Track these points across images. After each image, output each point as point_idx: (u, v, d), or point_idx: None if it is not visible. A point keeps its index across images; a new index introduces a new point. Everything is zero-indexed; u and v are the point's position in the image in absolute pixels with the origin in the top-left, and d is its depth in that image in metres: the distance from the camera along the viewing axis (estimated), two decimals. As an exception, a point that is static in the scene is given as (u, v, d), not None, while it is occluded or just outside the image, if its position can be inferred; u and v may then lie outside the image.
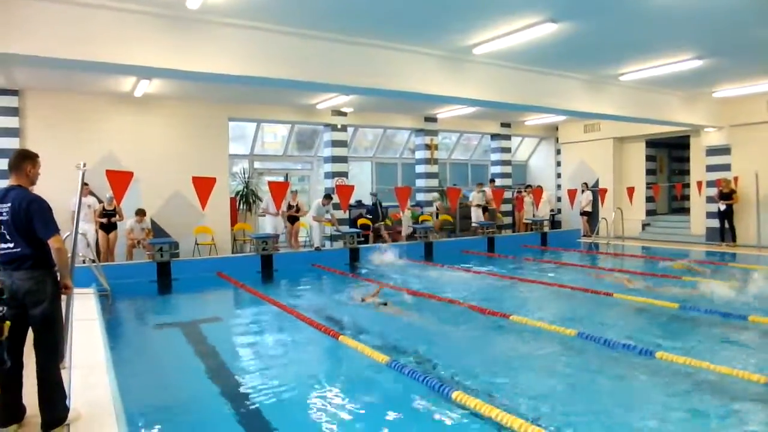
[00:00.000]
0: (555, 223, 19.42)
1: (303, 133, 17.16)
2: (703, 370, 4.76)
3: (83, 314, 6.88)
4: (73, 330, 5.77)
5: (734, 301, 7.48)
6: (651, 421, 3.92)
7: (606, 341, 5.60)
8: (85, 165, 5.46)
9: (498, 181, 18.89)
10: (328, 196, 13.63)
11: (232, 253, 13.98)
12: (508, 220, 19.30)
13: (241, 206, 15.20)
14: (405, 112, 16.86)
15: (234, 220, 14.56)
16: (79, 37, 6.73)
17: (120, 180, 8.76)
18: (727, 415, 4.01)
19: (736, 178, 15.07)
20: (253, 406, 4.32)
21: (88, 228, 10.64)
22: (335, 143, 16.23)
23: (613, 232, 16.95)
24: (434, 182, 17.85)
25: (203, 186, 10.26)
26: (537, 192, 17.06)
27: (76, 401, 4.09)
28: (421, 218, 16.58)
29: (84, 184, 5.63)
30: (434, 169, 18.11)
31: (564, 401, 4.35)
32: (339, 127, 16.20)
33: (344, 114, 16.07)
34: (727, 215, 14.94)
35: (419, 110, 16.47)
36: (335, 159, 16.28)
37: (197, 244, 13.33)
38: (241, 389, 4.69)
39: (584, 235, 17.33)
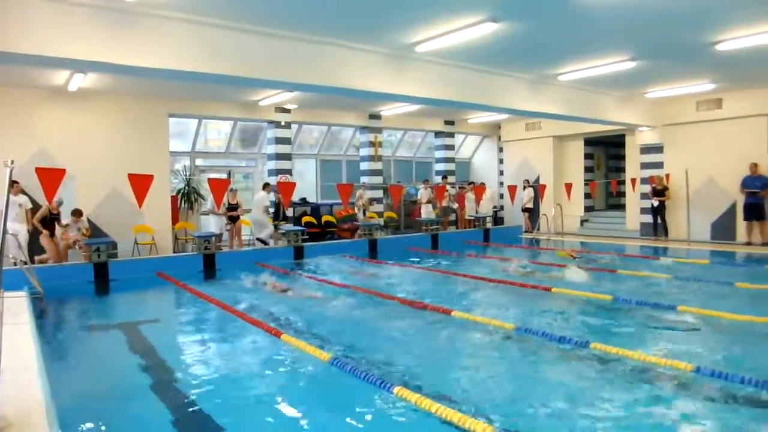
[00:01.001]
0: (498, 220, 19.82)
1: (246, 130, 16.91)
2: (634, 359, 4.95)
3: (14, 318, 6.57)
4: (2, 335, 5.51)
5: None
6: (586, 408, 4.05)
7: (544, 333, 5.75)
8: (13, 162, 5.21)
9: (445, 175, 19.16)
10: (267, 185, 13.88)
11: (174, 252, 13.66)
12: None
13: (183, 205, 14.86)
14: (349, 110, 16.86)
15: (175, 219, 14.22)
16: (3, 27, 6.42)
17: (51, 177, 8.41)
18: (656, 401, 4.18)
19: (667, 176, 15.73)
20: (192, 407, 4.24)
21: (20, 228, 10.17)
22: (279, 140, 16.07)
23: (553, 228, 17.41)
24: (379, 179, 17.92)
25: (140, 183, 9.97)
26: (479, 189, 17.33)
27: (5, 408, 3.91)
28: (368, 215, 16.61)
29: (14, 182, 5.37)
30: (379, 166, 18.18)
31: (504, 393, 4.44)
32: (283, 124, 16.06)
33: (288, 111, 15.93)
34: (659, 211, 15.60)
35: (364, 107, 16.50)
36: (279, 156, 16.12)
37: (137, 244, 12.96)
38: (180, 390, 4.60)
39: (526, 231, 17.74)
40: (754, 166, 14.09)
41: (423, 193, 17.31)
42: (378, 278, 9.81)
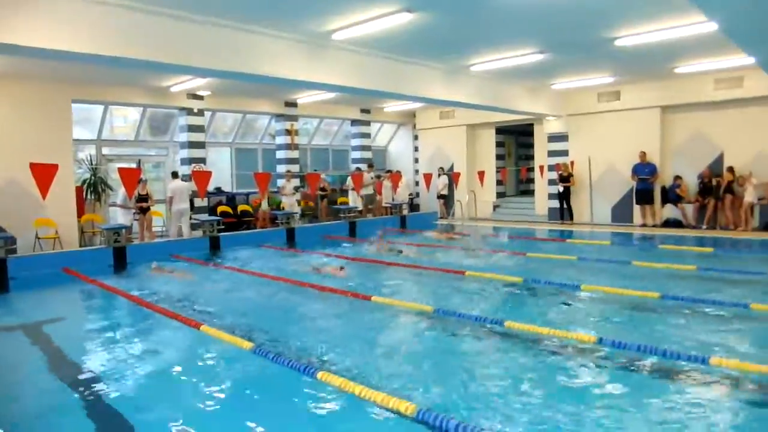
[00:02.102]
0: (414, 206, 20.19)
1: (157, 117, 16.28)
2: (543, 334, 5.27)
3: None
4: None
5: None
6: (500, 382, 4.29)
7: (460, 314, 5.99)
8: None
9: (356, 166, 19.29)
10: (175, 173, 13.75)
11: (80, 246, 13.00)
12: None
13: (89, 196, 14.14)
14: (265, 97, 16.60)
15: (81, 211, 13.52)
16: None
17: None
18: (564, 372, 4.49)
19: (572, 163, 16.59)
20: (108, 409, 4.11)
21: None
22: (192, 128, 15.60)
23: (467, 214, 17.97)
24: (295, 168, 17.78)
25: (43, 173, 9.37)
26: (395, 177, 17.59)
27: None
28: (282, 205, 16.46)
29: None
30: (295, 154, 18.06)
31: (423, 373, 4.61)
32: (195, 111, 15.60)
33: (201, 98, 15.48)
34: (565, 196, 16.44)
35: (279, 95, 16.30)
36: (192, 144, 15.67)
37: (38, 238, 12.23)
38: (94, 389, 4.43)
39: (441, 218, 18.20)
40: (643, 154, 15.14)
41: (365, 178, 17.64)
42: (296, 266, 9.79)
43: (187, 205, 13.83)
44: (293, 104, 17.48)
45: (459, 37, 10.03)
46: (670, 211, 15.29)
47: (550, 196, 17.35)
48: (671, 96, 15.00)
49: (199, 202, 15.30)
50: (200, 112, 15.75)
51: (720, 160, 14.68)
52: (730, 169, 14.05)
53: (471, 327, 5.72)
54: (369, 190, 17.87)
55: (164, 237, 13.90)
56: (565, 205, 16.54)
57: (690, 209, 14.88)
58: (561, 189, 16.42)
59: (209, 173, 12.32)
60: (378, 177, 18.72)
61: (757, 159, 14.15)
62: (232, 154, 18.04)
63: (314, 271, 8.92)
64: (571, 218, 16.45)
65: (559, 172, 16.47)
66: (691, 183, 15.01)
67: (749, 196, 13.57)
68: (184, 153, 15.76)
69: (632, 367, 4.53)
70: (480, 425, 3.50)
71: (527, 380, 4.35)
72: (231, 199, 16.66)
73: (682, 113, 15.28)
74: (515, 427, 3.59)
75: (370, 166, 18.71)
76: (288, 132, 17.78)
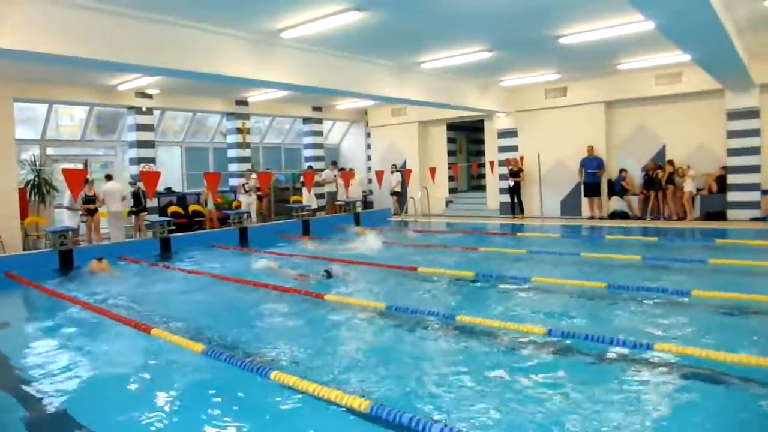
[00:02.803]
0: (367, 204, 20.25)
1: (104, 116, 15.86)
2: (494, 327, 5.39)
3: None
4: None
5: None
6: (454, 376, 4.37)
7: (413, 310, 6.06)
8: None
9: (312, 164, 19.21)
10: (109, 176, 13.48)
11: (24, 250, 12.56)
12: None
13: (33, 197, 13.66)
14: (215, 96, 16.37)
15: (24, 213, 13.05)
16: None
17: None
18: (516, 362, 4.61)
19: (521, 158, 16.93)
20: (53, 416, 4.01)
21: None
22: (140, 127, 15.26)
23: (420, 210, 18.14)
24: (247, 166, 17.59)
25: (-18, 176, 9.03)
26: (346, 175, 17.56)
27: None
28: (234, 204, 16.28)
29: None
30: (247, 153, 17.86)
31: (378, 369, 4.65)
32: (144, 110, 15.26)
33: (150, 96, 15.15)
34: (516, 191, 16.77)
35: (230, 93, 16.10)
36: (141, 144, 15.32)
37: (-22, 243, 11.77)
38: (37, 397, 4.31)
39: (395, 214, 18.31)
40: (591, 148, 15.60)
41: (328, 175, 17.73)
42: (248, 266, 9.71)
43: (118, 208, 13.45)
44: (244, 103, 17.28)
45: (408, 35, 10.12)
46: (616, 203, 15.80)
47: (501, 191, 17.67)
48: (615, 91, 15.50)
49: (149, 203, 14.96)
50: (149, 111, 15.41)
51: (662, 152, 15.26)
52: (670, 162, 14.60)
53: (423, 322, 5.79)
54: (332, 188, 17.87)
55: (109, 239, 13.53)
56: (515, 200, 16.88)
57: (635, 201, 15.41)
58: (512, 184, 16.74)
59: (158, 173, 12.08)
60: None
61: (696, 151, 14.79)
62: (182, 154, 17.72)
63: (295, 278, 8.46)
64: (522, 212, 16.81)
65: (509, 167, 16.79)
66: (635, 176, 15.53)
67: (688, 187, 14.15)
68: (133, 153, 15.39)
69: (580, 356, 4.68)
70: (433, 418, 3.56)
71: (478, 373, 4.43)
72: (182, 199, 16.36)
73: (625, 108, 15.81)
74: (467, 418, 3.67)
75: (334, 163, 18.67)
76: (239, 131, 17.57)
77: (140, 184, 13.72)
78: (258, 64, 9.90)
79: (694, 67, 12.11)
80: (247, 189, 15.77)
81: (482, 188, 19.87)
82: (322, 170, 18.98)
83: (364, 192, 19.79)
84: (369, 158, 21.65)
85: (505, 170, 17.19)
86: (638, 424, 3.47)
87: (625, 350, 4.69)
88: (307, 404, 3.94)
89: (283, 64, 10.30)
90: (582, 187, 15.96)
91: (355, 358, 4.95)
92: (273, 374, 4.28)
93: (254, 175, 15.87)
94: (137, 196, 14.03)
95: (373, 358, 4.98)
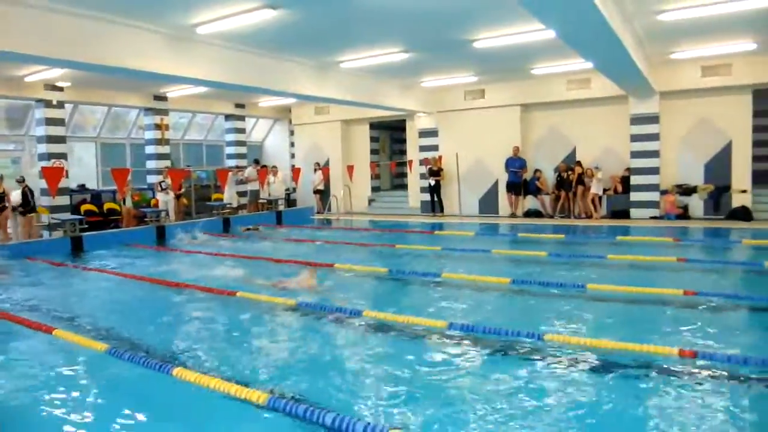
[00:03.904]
0: (291, 202, 20.16)
1: (11, 109, 15.04)
2: (400, 322, 5.57)
3: None
4: None
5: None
6: (357, 369, 4.51)
7: (322, 307, 6.16)
8: None
9: (234, 162, 18.96)
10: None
11: None
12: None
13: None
14: (132, 90, 15.84)
15: None
16: None
17: None
18: (417, 355, 4.79)
19: (440, 157, 17.33)
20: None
21: None
22: (50, 121, 14.58)
23: (344, 208, 18.24)
24: (166, 163, 17.15)
25: None
26: (262, 172, 17.37)
27: None
28: (152, 202, 15.86)
29: None
30: (166, 149, 17.39)
31: (281, 363, 4.73)
32: (54, 103, 14.57)
33: (60, 89, 14.49)
34: (436, 190, 17.15)
35: (148, 88, 15.63)
36: (51, 139, 14.63)
37: None
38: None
39: (318, 212, 18.34)
40: (516, 149, 16.17)
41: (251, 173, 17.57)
42: (163, 265, 9.53)
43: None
44: (163, 98, 16.84)
45: (326, 34, 10.19)
46: (530, 202, 16.44)
47: (422, 190, 18.03)
48: (530, 95, 16.14)
49: (60, 200, 14.31)
50: (60, 105, 14.74)
51: (573, 154, 16.01)
52: (579, 163, 15.37)
53: (333, 318, 5.90)
54: (254, 186, 17.68)
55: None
56: (436, 198, 17.27)
57: (548, 200, 16.09)
58: (432, 183, 17.11)
59: (61, 170, 11.58)
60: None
61: (604, 153, 15.63)
62: (97, 149, 17.05)
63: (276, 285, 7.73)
64: (442, 211, 17.21)
65: (428, 167, 17.15)
66: (549, 176, 16.23)
67: (594, 188, 14.95)
68: (42, 148, 14.67)
69: (478, 348, 4.91)
70: (330, 408, 3.65)
71: (382, 366, 4.59)
72: (96, 197, 15.77)
73: (539, 111, 16.50)
74: (367, 408, 3.80)
75: (256, 162, 18.44)
76: (158, 126, 17.09)
77: (28, 183, 13.07)
78: (173, 60, 9.71)
79: (601, 74, 12.79)
80: (163, 187, 15.38)
81: (404, 187, 20.18)
82: (245, 168, 18.77)
83: (287, 190, 19.69)
84: (293, 156, 21.55)
85: (424, 169, 17.53)
86: (533, 410, 3.70)
87: (519, 340, 4.96)
88: (210, 399, 3.98)
89: (200, 60, 10.14)
90: (505, 185, 16.45)
91: (264, 354, 5.01)
92: (175, 371, 4.28)
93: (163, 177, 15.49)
94: (24, 196, 13.04)
95: (281, 353, 5.05)
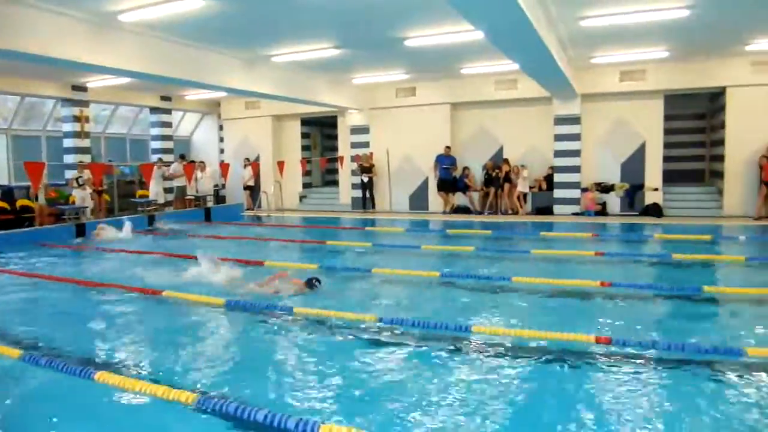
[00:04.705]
0: (220, 198, 19.74)
1: None
2: (330, 317, 5.60)
3: None
4: None
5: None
6: (286, 364, 4.50)
7: (251, 305, 6.09)
8: None
9: (160, 157, 18.36)
10: None
11: None
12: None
13: None
14: (48, 78, 15.02)
15: None
16: None
17: None
18: (348, 349, 4.82)
19: (371, 154, 17.42)
20: None
21: None
22: (-47, 111, 13.63)
23: (274, 205, 18.03)
24: (87, 158, 16.38)
25: None
26: (189, 168, 16.89)
27: None
28: (71, 199, 15.11)
29: None
30: (86, 143, 16.62)
31: (212, 363, 4.65)
32: (-43, 91, 13.65)
33: (-36, 76, 13.59)
34: (368, 186, 17.24)
35: (65, 77, 14.87)
36: (-46, 130, 13.70)
37: None
38: None
39: (248, 209, 18.05)
40: (447, 148, 16.44)
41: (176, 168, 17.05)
42: (82, 265, 9.15)
43: None
44: (82, 88, 16.07)
45: (256, 26, 10.02)
46: (459, 199, 16.78)
47: (353, 186, 18.07)
48: (459, 94, 16.48)
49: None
50: (-36, 93, 13.83)
51: (500, 152, 16.47)
52: (506, 161, 15.84)
53: (262, 315, 5.86)
54: (181, 182, 17.13)
55: None
56: (368, 195, 17.36)
57: (476, 197, 16.49)
58: (366, 179, 17.18)
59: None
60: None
61: (529, 152, 16.16)
62: (8, 143, 16.07)
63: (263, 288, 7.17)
64: (373, 207, 17.32)
65: (359, 163, 17.20)
66: (477, 173, 16.63)
67: (521, 186, 15.46)
68: (-56, 140, 13.74)
69: (408, 341, 5.00)
70: (261, 406, 3.63)
71: (313, 360, 4.60)
72: (8, 193, 14.87)
73: (468, 110, 16.86)
74: (299, 404, 3.80)
75: (182, 157, 17.89)
76: (77, 118, 16.30)
77: None
78: (93, 48, 9.27)
79: (527, 76, 13.20)
80: (80, 182, 14.67)
81: (335, 183, 20.13)
82: (170, 163, 18.18)
83: (216, 186, 19.24)
84: (222, 151, 21.08)
85: (355, 166, 17.58)
86: (462, 400, 3.81)
87: (447, 332, 5.09)
88: (137, 403, 3.87)
89: (123, 49, 9.74)
90: (436, 182, 16.69)
91: (192, 354, 4.90)
92: (97, 375, 4.15)
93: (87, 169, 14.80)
94: None
95: (210, 352, 4.97)
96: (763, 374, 4.12)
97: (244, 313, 6.02)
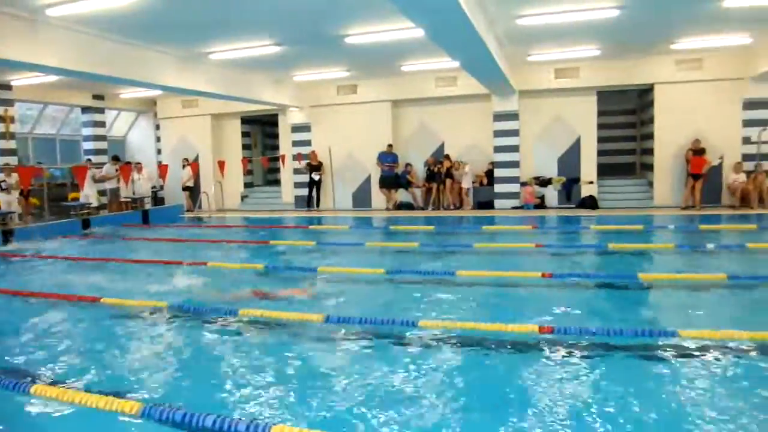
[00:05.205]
0: (159, 200, 19.17)
1: None
2: (275, 317, 5.55)
3: None
4: None
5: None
6: (227, 368, 4.42)
7: (195, 309, 5.95)
8: None
9: (93, 158, 17.65)
10: None
11: None
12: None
13: None
14: (-34, 77, 14.22)
15: None
16: None
17: None
18: (294, 347, 4.79)
19: (314, 152, 17.30)
20: None
21: None
22: None
23: (215, 205, 17.68)
24: (13, 160, 15.58)
25: None
26: (124, 168, 16.31)
27: None
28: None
29: None
30: (11, 144, 15.79)
31: (156, 370, 4.52)
32: None
33: None
34: (317, 184, 17.10)
35: (-14, 75, 14.11)
36: None
37: None
38: None
39: (188, 210, 17.62)
40: (389, 146, 16.51)
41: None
42: (10, 273, 8.72)
43: None
44: (6, 86, 15.25)
45: (193, 22, 9.77)
46: (403, 195, 16.90)
47: (296, 185, 17.93)
48: (400, 91, 16.60)
49: None
50: None
51: (442, 149, 16.68)
52: (447, 157, 16.06)
53: (204, 318, 5.73)
54: (113, 184, 16.49)
55: None
56: (315, 194, 17.25)
57: (419, 193, 16.65)
58: (317, 178, 17.05)
59: None
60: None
61: (470, 148, 16.44)
62: None
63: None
64: (318, 205, 17.24)
65: (307, 162, 17.04)
66: (419, 170, 16.79)
67: (465, 182, 15.73)
68: None
69: (355, 338, 5.01)
70: (209, 411, 3.56)
71: (260, 363, 4.53)
72: None
73: (409, 107, 17.00)
74: (249, 407, 3.75)
75: (115, 158, 17.23)
76: (1, 119, 15.48)
77: None
78: (18, 44, 8.81)
79: (466, 73, 13.42)
80: (4, 186, 13.93)
81: (278, 182, 19.89)
82: (103, 164, 17.51)
83: (153, 187, 18.65)
84: (159, 152, 20.48)
85: (297, 164, 17.43)
86: (410, 396, 3.83)
87: (396, 328, 5.12)
88: (78, 416, 3.72)
89: (50, 45, 9.30)
90: (378, 180, 16.73)
91: (135, 361, 4.74)
92: (33, 388, 3.97)
93: (14, 172, 14.08)
94: None
95: (153, 359, 4.81)
96: (696, 353, 4.34)
97: (188, 316, 5.87)
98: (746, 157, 14.11)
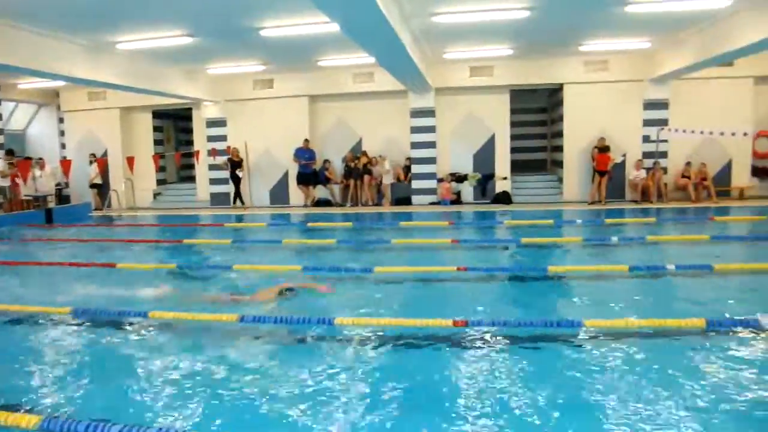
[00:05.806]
0: (64, 198, 18.08)
1: None
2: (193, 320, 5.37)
3: None
4: None
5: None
6: (143, 371, 4.24)
7: (103, 311, 5.67)
8: None
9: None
10: None
11: None
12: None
13: None
14: None
15: None
16: None
17: None
18: (213, 352, 4.65)
19: (229, 148, 16.86)
20: None
21: None
22: None
23: (126, 203, 16.92)
24: None
25: None
26: (23, 164, 15.28)
27: None
28: None
29: None
30: None
31: (57, 380, 4.26)
32: None
33: None
34: (239, 180, 16.68)
35: None
36: None
37: None
38: None
39: (96, 209, 16.76)
40: (306, 141, 16.35)
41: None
42: None
43: None
44: None
45: (96, 10, 9.28)
46: (321, 192, 16.81)
47: (212, 182, 17.45)
48: (317, 86, 16.49)
49: None
50: None
51: (360, 145, 16.72)
52: (364, 153, 16.13)
53: (113, 322, 5.47)
54: (6, 182, 15.38)
55: None
56: (237, 190, 16.83)
57: (337, 189, 16.62)
58: (240, 174, 16.62)
59: None
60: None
61: (388, 144, 16.59)
62: None
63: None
64: (242, 202, 16.78)
65: (230, 157, 16.58)
66: (337, 166, 16.75)
67: (386, 179, 15.87)
68: None
69: (266, 338, 4.93)
70: (115, 421, 3.39)
71: (171, 367, 4.37)
72: None
73: (327, 102, 16.93)
74: (160, 414, 3.61)
75: (9, 152, 16.07)
76: None
77: None
78: None
79: (383, 69, 13.49)
80: None
81: (192, 179, 19.26)
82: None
83: (58, 185, 17.57)
84: (63, 147, 19.32)
85: (212, 160, 16.95)
86: (330, 395, 3.80)
87: (314, 328, 5.07)
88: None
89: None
90: (296, 176, 16.53)
91: (33, 372, 4.43)
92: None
93: None
94: None
95: (54, 368, 4.53)
96: (601, 339, 4.58)
97: (93, 321, 5.57)
98: (646, 155, 15.02)
